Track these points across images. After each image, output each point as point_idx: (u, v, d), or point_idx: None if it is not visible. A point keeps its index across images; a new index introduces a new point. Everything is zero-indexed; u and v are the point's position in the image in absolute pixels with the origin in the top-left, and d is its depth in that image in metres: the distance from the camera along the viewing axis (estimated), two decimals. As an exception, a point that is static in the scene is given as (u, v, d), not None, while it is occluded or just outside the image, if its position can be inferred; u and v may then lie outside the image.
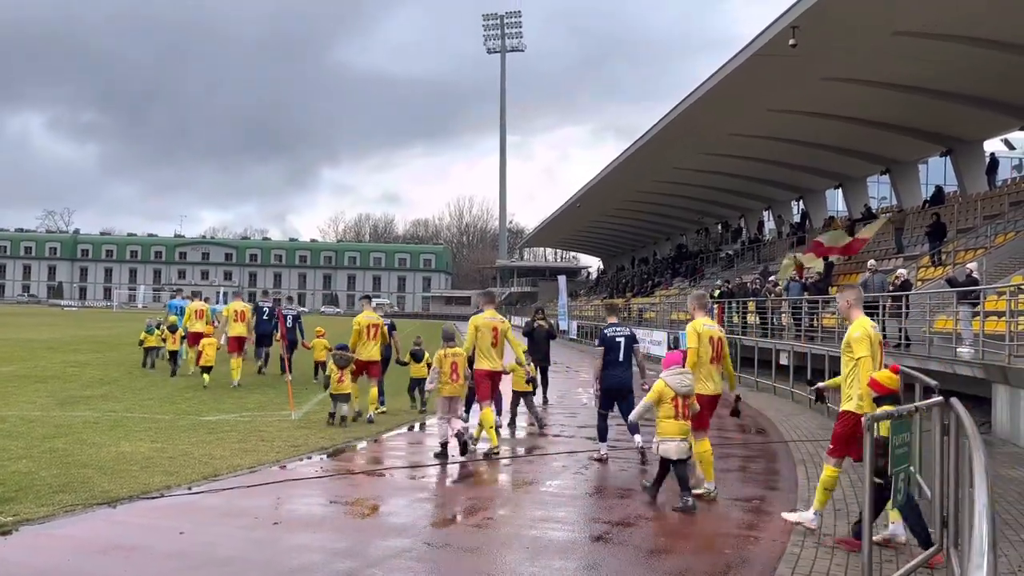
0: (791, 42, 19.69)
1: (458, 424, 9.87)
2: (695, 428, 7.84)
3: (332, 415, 12.03)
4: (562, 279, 58.18)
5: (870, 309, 17.81)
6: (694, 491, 7.59)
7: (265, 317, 18.16)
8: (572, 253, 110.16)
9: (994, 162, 28.60)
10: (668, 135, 32.47)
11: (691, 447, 7.71)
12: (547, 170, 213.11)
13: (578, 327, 49.17)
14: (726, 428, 13.29)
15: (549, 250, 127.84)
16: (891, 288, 17.40)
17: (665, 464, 7.58)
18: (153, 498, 7.39)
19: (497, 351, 10.23)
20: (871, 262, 20.71)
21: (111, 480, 7.83)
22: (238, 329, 17.61)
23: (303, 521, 6.93)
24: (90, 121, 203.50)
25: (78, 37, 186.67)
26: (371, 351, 12.49)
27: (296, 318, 18.74)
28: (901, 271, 18.87)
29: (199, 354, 16.73)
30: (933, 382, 7.39)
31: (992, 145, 30.08)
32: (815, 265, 25.91)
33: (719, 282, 32.07)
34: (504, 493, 8.39)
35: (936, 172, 40.48)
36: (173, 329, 19.36)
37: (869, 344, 6.47)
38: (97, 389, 15.21)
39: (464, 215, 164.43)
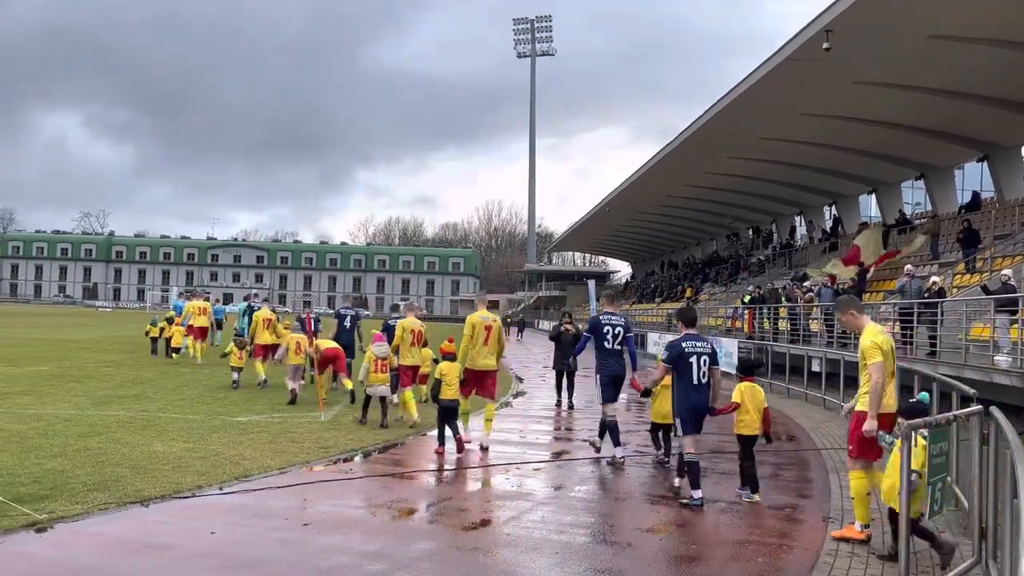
0: (825, 46, 19.48)
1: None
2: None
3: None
4: (592, 283, 57.88)
5: (905, 316, 17.60)
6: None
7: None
8: (601, 257, 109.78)
9: (1032, 167, 28.07)
10: (699, 139, 32.26)
11: None
12: (583, 172, 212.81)
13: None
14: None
15: (578, 254, 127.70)
16: (927, 295, 17.16)
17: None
18: (185, 498, 7.46)
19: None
20: (908, 267, 20.41)
21: (144, 479, 7.92)
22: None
23: (332, 522, 6.95)
24: (125, 123, 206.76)
25: (112, 39, 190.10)
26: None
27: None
28: (935, 278, 18.59)
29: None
30: (971, 391, 7.28)
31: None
32: (847, 272, 25.61)
33: (750, 287, 31.80)
34: (532, 498, 8.35)
35: (972, 177, 39.82)
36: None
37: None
38: (130, 389, 15.40)
39: (493, 219, 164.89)
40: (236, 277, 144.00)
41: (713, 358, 8.21)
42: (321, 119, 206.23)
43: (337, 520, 7.07)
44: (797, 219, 43.77)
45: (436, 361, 11.78)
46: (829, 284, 23.85)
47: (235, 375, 16.51)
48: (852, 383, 14.71)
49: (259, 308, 18.70)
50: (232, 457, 9.23)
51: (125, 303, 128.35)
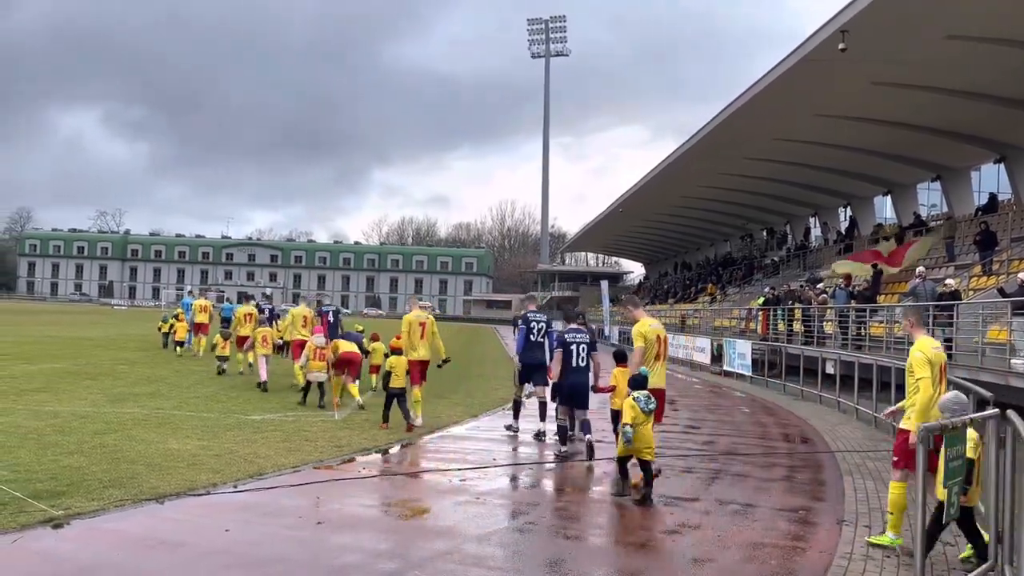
0: (841, 46, 19.37)
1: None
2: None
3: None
4: (605, 284, 57.96)
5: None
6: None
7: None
8: (614, 258, 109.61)
9: (1051, 169, 27.83)
10: (714, 140, 32.15)
11: None
12: (600, 171, 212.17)
13: (620, 332, 48.91)
14: (770, 437, 13.13)
15: (591, 255, 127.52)
16: (939, 297, 17.06)
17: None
18: (200, 495, 7.50)
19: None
20: (920, 268, 20.29)
21: (159, 476, 7.97)
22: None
23: (346, 521, 6.97)
24: (141, 121, 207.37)
25: (128, 37, 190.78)
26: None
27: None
28: (950, 280, 18.47)
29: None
30: (988, 394, 7.23)
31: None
32: (863, 273, 25.48)
33: (766, 289, 31.68)
34: (546, 498, 8.36)
35: (989, 179, 39.50)
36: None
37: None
38: (146, 387, 15.49)
39: (506, 219, 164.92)
40: (250, 276, 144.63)
41: (592, 346, 10.24)
42: (337, 118, 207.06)
43: (350, 519, 7.09)
44: (811, 220, 43.56)
45: (386, 355, 13.19)
46: (844, 285, 23.73)
47: (220, 363, 18.61)
48: (866, 385, 14.67)
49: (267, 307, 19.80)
50: (246, 455, 9.27)
51: (140, 301, 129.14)
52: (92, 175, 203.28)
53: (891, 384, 12.43)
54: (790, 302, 25.37)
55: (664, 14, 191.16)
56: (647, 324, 9.05)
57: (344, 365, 13.58)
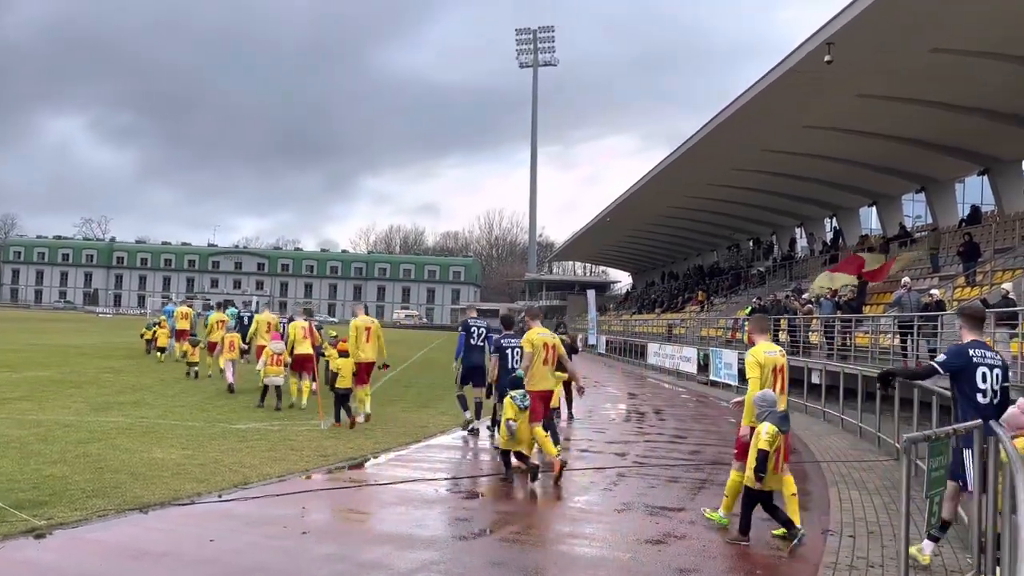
0: (827, 58, 19.53)
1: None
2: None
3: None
4: (591, 293, 58.03)
5: (905, 328, 17.61)
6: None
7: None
8: (601, 267, 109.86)
9: (1033, 182, 28.10)
10: (701, 151, 32.31)
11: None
12: (590, 179, 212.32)
13: (607, 342, 49.00)
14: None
15: (578, 264, 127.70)
16: (924, 308, 17.18)
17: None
18: (184, 505, 7.45)
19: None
20: (905, 279, 20.42)
21: (143, 486, 7.92)
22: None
23: (331, 531, 6.95)
24: (129, 127, 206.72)
25: (117, 42, 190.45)
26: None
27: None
28: (934, 291, 18.60)
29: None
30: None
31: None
32: (848, 282, 25.60)
33: (754, 299, 31.80)
34: (532, 508, 8.35)
35: (973, 191, 39.87)
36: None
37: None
38: (130, 395, 15.39)
39: (494, 228, 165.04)
40: (237, 284, 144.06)
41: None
42: (327, 125, 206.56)
43: (336, 528, 7.07)
44: (797, 231, 43.81)
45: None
46: (829, 296, 23.85)
47: (192, 369, 19.70)
48: (852, 395, 14.74)
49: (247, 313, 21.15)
50: (231, 464, 9.22)
51: (126, 309, 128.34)
52: (78, 181, 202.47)
53: (876, 394, 12.49)
54: (776, 312, 25.47)
55: (654, 24, 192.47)
56: (536, 333, 10.01)
57: (299, 366, 14.78)
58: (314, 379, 15.16)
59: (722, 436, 14.42)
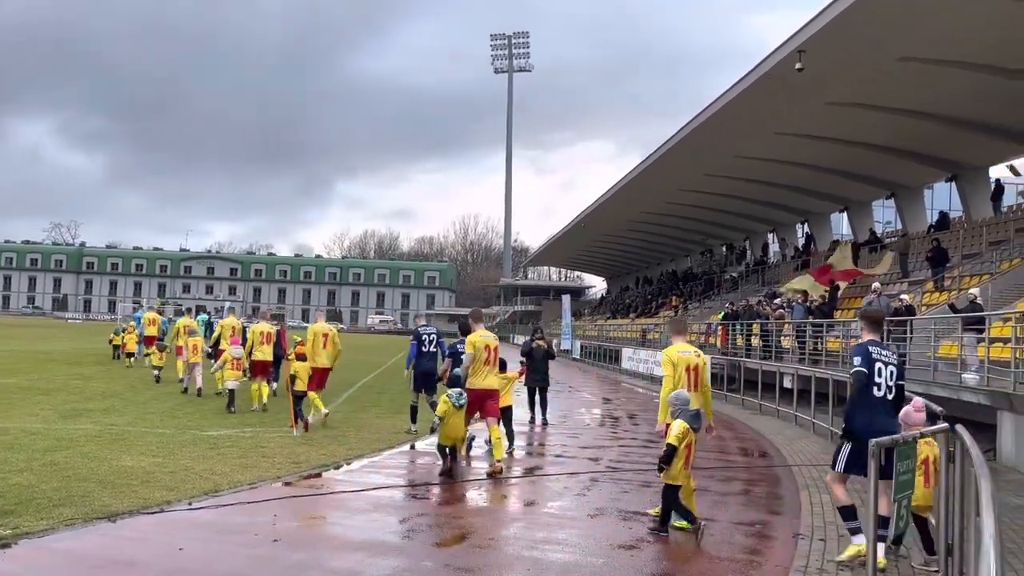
0: (798, 66, 19.74)
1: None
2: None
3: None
4: (566, 298, 58.17)
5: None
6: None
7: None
8: (577, 273, 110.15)
9: (999, 188, 28.56)
10: (674, 157, 32.52)
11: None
12: (566, 184, 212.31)
13: (582, 347, 49.12)
14: (729, 451, 13.25)
15: (553, 269, 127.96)
16: (894, 312, 17.39)
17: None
18: (153, 513, 7.37)
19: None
20: (875, 284, 20.68)
21: (111, 494, 7.81)
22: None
23: (303, 538, 6.90)
24: (99, 131, 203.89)
25: (87, 45, 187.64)
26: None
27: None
28: (904, 296, 18.83)
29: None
30: (939, 408, 7.37)
31: (997, 171, 30.09)
32: (819, 289, 25.87)
33: (726, 304, 32.02)
34: (505, 514, 8.34)
35: (941, 197, 40.47)
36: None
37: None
38: (100, 402, 15.20)
39: (469, 233, 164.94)
40: (209, 289, 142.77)
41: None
42: (302, 129, 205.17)
43: (308, 536, 7.01)
44: (770, 236, 44.21)
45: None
46: (801, 301, 24.08)
47: (155, 372, 19.86)
48: (823, 399, 14.88)
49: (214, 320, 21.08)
50: (202, 472, 9.13)
51: (96, 315, 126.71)
52: (47, 186, 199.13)
53: (847, 398, 12.62)
54: (748, 317, 25.68)
55: (630, 31, 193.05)
56: (478, 335, 10.41)
57: (257, 371, 15.22)
58: (273, 382, 15.86)
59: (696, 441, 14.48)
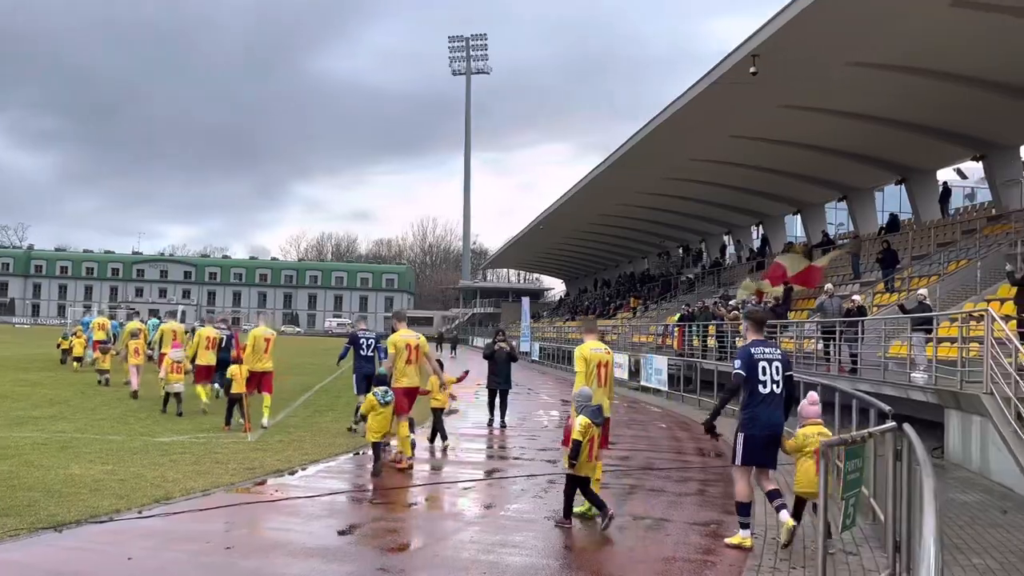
0: (752, 70, 19.99)
1: None
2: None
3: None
4: (526, 300, 58.26)
5: (828, 333, 18.09)
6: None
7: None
8: (536, 275, 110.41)
9: (947, 191, 29.25)
10: (631, 159, 32.73)
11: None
12: (526, 186, 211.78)
13: (541, 349, 49.20)
14: (685, 451, 13.37)
15: (512, 272, 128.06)
16: (846, 313, 17.69)
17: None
18: (102, 522, 7.21)
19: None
20: (828, 286, 21.00)
21: (58, 504, 7.63)
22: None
23: (256, 545, 6.81)
24: (50, 131, 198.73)
25: (38, 42, 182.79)
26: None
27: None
28: (856, 297, 19.17)
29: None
30: (887, 408, 7.51)
31: (945, 174, 30.83)
32: (774, 291, 26.21)
33: (683, 306, 32.32)
34: (462, 517, 8.31)
35: (892, 199, 41.32)
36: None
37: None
38: (47, 409, 14.85)
39: (428, 235, 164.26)
40: (163, 293, 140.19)
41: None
42: (259, 130, 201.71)
43: (261, 543, 6.92)
44: (726, 238, 44.72)
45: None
46: (755, 302, 24.37)
47: (101, 375, 20.04)
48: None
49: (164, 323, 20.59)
50: (153, 479, 8.96)
51: (44, 319, 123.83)
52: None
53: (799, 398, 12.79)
54: (704, 318, 25.93)
55: (591, 34, 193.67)
56: (399, 335, 10.89)
57: (201, 376, 15.42)
58: (216, 384, 16.01)
59: (652, 442, 14.62)
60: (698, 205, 39.71)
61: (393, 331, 11.59)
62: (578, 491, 7.74)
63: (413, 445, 10.99)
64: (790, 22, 18.33)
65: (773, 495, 7.09)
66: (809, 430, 7.20)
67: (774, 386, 7.23)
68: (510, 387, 15.85)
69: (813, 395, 7.72)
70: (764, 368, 7.25)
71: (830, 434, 7.21)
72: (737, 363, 7.33)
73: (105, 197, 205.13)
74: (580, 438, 7.51)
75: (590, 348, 8.70)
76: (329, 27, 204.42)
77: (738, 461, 7.31)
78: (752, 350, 7.37)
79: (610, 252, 59.77)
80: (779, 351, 7.52)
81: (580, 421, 7.61)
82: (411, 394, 10.84)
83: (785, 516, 6.88)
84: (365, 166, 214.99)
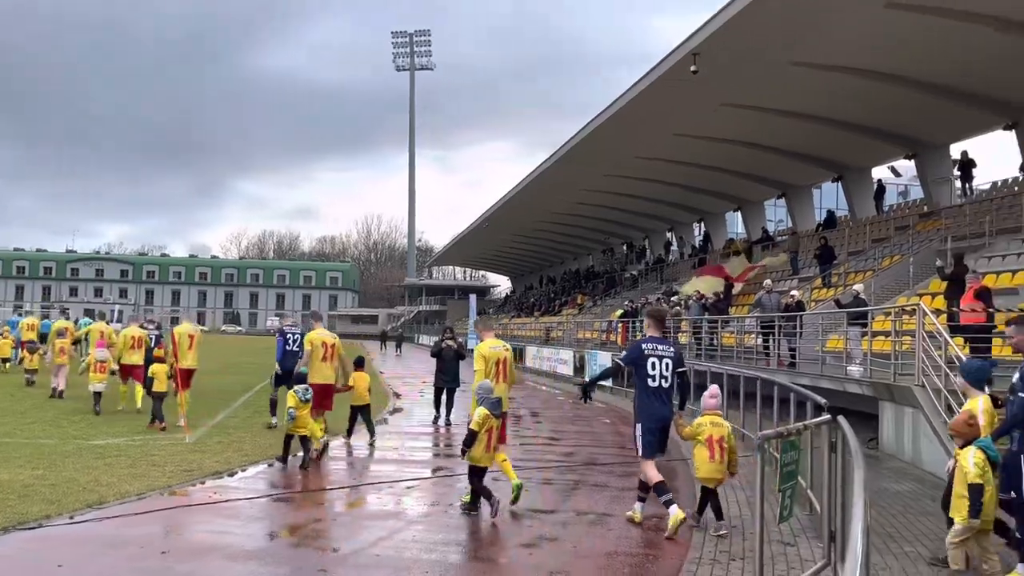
0: (692, 68, 20.24)
1: None
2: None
3: None
4: (473, 298, 58.16)
5: (767, 328, 18.42)
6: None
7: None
8: (482, 272, 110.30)
9: (881, 188, 30.05)
10: (576, 156, 32.91)
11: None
12: (472, 184, 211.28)
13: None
14: (629, 447, 13.45)
15: (458, 269, 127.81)
16: (785, 308, 18.03)
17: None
18: (30, 528, 6.98)
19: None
20: (766, 282, 21.40)
21: (-16, 510, 7.37)
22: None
23: (192, 549, 6.66)
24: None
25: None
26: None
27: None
28: (794, 292, 19.56)
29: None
30: (823, 400, 7.65)
31: (880, 172, 31.67)
32: (714, 287, 26.63)
33: (626, 302, 32.61)
34: (405, 517, 8.25)
35: (829, 197, 42.28)
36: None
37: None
38: (-26, 413, 14.36)
39: (372, 232, 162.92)
40: (98, 292, 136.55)
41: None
42: (198, 126, 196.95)
43: (198, 547, 6.77)
44: (669, 235, 45.28)
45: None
46: (697, 299, 24.72)
47: (29, 375, 19.82)
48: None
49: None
50: (86, 483, 8.70)
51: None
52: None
53: (740, 392, 13.01)
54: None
55: (537, 32, 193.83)
56: (315, 333, 11.50)
57: (127, 375, 15.32)
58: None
59: (596, 437, 14.71)
60: (642, 202, 40.10)
61: (311, 330, 11.94)
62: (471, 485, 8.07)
63: (325, 445, 11.29)
64: (728, 21, 18.61)
65: (660, 489, 7.44)
66: (704, 419, 7.70)
67: (663, 380, 7.61)
68: (458, 385, 15.74)
69: (714, 388, 8.18)
70: (654, 364, 7.59)
71: (724, 424, 7.72)
72: (624, 353, 7.81)
73: (36, 195, 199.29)
74: (477, 428, 7.80)
75: (488, 346, 9.01)
76: (271, 22, 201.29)
77: (642, 454, 7.70)
78: (644, 345, 7.72)
79: (556, 249, 60.05)
80: (672, 348, 7.82)
81: (479, 412, 7.86)
82: (327, 390, 11.38)
83: (675, 510, 7.22)
84: (309, 163, 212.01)
